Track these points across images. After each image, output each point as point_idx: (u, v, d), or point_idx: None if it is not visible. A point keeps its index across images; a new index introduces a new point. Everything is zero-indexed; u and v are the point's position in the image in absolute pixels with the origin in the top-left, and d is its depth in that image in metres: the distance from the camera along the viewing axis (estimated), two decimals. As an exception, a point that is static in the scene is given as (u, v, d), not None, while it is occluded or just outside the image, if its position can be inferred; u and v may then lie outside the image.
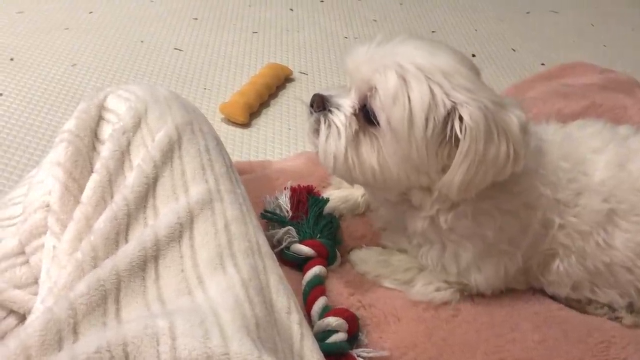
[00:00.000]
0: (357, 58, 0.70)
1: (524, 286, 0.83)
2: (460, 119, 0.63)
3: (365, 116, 0.68)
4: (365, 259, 0.84)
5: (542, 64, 1.58)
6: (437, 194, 0.70)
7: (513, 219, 0.73)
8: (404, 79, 0.64)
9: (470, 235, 0.74)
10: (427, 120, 0.64)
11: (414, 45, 0.67)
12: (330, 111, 0.70)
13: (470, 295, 0.81)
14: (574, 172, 0.75)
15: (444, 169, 0.67)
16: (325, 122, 0.70)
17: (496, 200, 0.71)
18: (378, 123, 0.66)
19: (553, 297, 0.83)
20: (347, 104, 0.69)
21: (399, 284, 0.81)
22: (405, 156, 0.66)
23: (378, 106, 0.65)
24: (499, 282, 0.79)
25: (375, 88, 0.65)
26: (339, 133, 0.68)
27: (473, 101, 0.63)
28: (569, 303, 0.82)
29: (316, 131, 0.71)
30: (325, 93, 0.71)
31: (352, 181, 0.73)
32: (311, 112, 0.72)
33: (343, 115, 0.69)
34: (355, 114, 0.69)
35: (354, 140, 0.68)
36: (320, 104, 0.71)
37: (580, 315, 0.81)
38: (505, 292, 0.82)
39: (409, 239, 0.80)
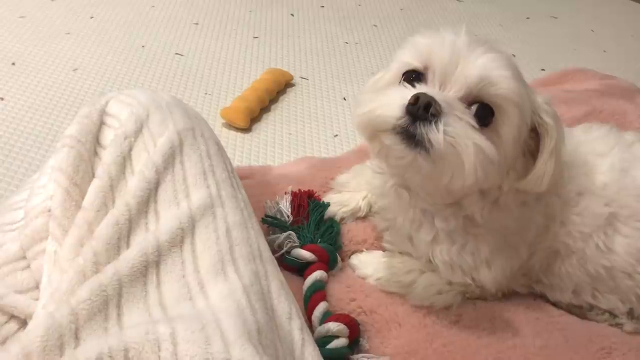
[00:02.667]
0: (458, 52, 0.63)
1: (526, 289, 0.83)
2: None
3: (475, 112, 0.63)
4: (366, 262, 0.84)
5: (542, 70, 1.58)
6: (493, 195, 0.71)
7: (526, 209, 0.74)
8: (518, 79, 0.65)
9: (496, 227, 0.74)
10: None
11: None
12: (446, 114, 0.60)
13: (471, 300, 0.81)
14: (575, 171, 0.76)
15: (509, 170, 0.69)
16: (459, 125, 0.60)
17: (520, 192, 0.72)
18: (487, 121, 0.63)
19: (554, 304, 0.83)
20: (454, 100, 0.62)
21: (401, 287, 0.81)
22: (507, 155, 0.66)
23: (494, 102, 0.63)
24: (505, 279, 0.79)
25: (491, 84, 0.62)
26: (476, 134, 0.61)
27: (544, 103, 0.68)
28: (570, 309, 0.82)
29: (447, 139, 0.60)
30: (429, 93, 0.61)
31: (480, 176, 0.62)
32: (422, 118, 0.60)
33: (465, 113, 0.61)
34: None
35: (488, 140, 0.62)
36: (439, 108, 0.60)
37: (581, 322, 0.81)
38: (507, 298, 0.82)
39: (414, 242, 0.79)
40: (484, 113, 0.63)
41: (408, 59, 0.67)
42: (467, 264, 0.76)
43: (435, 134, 0.59)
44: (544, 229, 0.76)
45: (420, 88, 0.63)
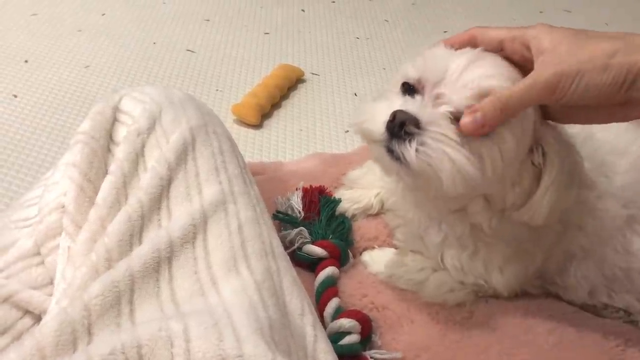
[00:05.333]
0: (447, 64, 0.62)
1: (539, 290, 0.82)
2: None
3: None
4: (378, 259, 0.84)
5: (556, 64, 1.56)
6: (498, 206, 0.69)
7: None
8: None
9: (508, 236, 0.73)
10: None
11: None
12: (425, 129, 0.60)
13: (484, 296, 0.80)
14: (594, 174, 0.74)
15: (513, 183, 0.66)
16: (434, 142, 0.59)
17: None
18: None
19: (568, 303, 0.82)
20: (440, 115, 0.61)
21: (412, 285, 0.80)
22: (501, 168, 0.63)
23: None
24: (518, 283, 0.78)
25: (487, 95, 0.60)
26: (456, 149, 0.60)
27: (552, 137, 0.65)
28: (583, 308, 0.81)
29: (421, 157, 0.60)
30: (408, 109, 0.61)
31: (461, 190, 0.62)
32: (397, 135, 0.60)
33: (447, 129, 0.60)
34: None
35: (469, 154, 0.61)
36: (413, 128, 0.60)
37: (595, 318, 0.80)
38: (520, 295, 0.81)
39: (425, 243, 0.79)
40: None
41: (408, 70, 0.66)
42: (478, 270, 0.76)
43: (408, 152, 0.60)
44: (561, 233, 0.75)
45: (406, 102, 0.63)
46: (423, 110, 0.61)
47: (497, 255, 0.74)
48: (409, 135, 0.60)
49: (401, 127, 0.60)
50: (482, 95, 0.60)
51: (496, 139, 0.61)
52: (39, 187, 0.67)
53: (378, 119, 0.62)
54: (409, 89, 0.66)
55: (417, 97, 0.64)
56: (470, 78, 0.61)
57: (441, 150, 0.59)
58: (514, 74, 0.62)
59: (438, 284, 0.79)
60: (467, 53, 0.63)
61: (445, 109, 0.61)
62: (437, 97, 0.62)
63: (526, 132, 0.64)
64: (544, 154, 0.65)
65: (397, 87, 0.68)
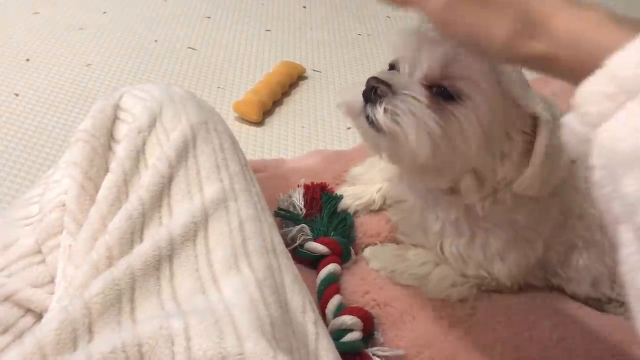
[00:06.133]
0: (418, 39, 0.65)
1: (542, 282, 0.82)
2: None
3: (439, 93, 0.64)
4: (380, 255, 0.84)
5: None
6: (490, 183, 0.69)
7: (541, 204, 0.73)
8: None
9: (503, 221, 0.73)
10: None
11: None
12: (397, 93, 0.63)
13: (487, 292, 0.80)
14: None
15: (502, 157, 0.67)
16: (402, 102, 0.62)
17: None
18: (459, 98, 0.64)
19: (572, 297, 0.82)
20: (412, 82, 0.64)
21: (415, 279, 0.80)
22: (486, 132, 0.64)
23: (463, 80, 0.63)
24: (520, 273, 0.78)
25: (457, 61, 0.63)
26: (422, 109, 0.62)
27: (541, 108, 0.65)
28: (587, 302, 0.81)
29: (390, 118, 0.62)
30: (381, 76, 0.64)
31: (428, 160, 0.64)
32: (371, 99, 0.64)
33: (417, 92, 0.63)
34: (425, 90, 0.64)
35: (436, 115, 0.63)
36: (385, 89, 0.63)
37: (599, 314, 0.80)
38: (523, 290, 0.81)
39: (427, 233, 0.79)
40: (447, 93, 0.64)
41: (391, 55, 0.69)
42: (478, 258, 0.76)
43: (379, 113, 0.62)
44: (562, 223, 0.75)
45: (382, 73, 0.66)
46: (398, 78, 0.65)
47: (494, 241, 0.74)
48: (380, 98, 0.63)
49: (374, 92, 0.63)
50: (447, 62, 0.62)
51: (468, 104, 0.63)
52: (40, 185, 0.67)
53: (357, 90, 0.66)
54: (391, 68, 0.70)
55: (394, 71, 0.68)
56: (438, 49, 0.63)
57: (408, 110, 0.62)
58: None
59: (440, 277, 0.78)
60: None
61: (417, 75, 0.64)
62: (412, 71, 0.65)
63: (506, 100, 0.64)
64: (534, 125, 0.65)
65: None
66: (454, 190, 0.72)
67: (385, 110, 0.62)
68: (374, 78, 0.64)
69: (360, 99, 0.65)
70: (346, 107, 0.68)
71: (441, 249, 0.78)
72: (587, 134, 0.37)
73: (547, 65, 0.44)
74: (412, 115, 0.61)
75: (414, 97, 0.62)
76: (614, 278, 0.77)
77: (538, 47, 0.44)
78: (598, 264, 0.76)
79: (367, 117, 0.64)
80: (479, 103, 0.63)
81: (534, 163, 0.65)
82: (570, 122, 0.39)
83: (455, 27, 0.48)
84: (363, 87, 0.65)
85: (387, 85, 0.63)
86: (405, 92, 0.63)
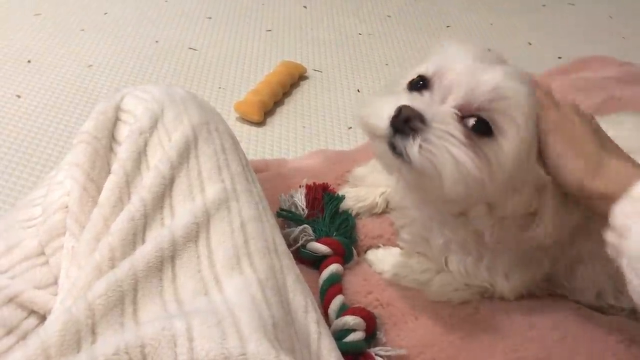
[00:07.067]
0: (460, 63, 0.62)
1: (545, 292, 0.81)
2: None
3: (472, 125, 0.60)
4: (382, 259, 0.84)
5: (559, 58, 1.55)
6: (499, 212, 0.66)
7: None
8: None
9: (511, 243, 0.71)
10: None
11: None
12: (429, 125, 0.58)
13: (489, 297, 0.80)
14: None
15: (514, 191, 0.64)
16: (438, 139, 0.58)
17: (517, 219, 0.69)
18: (492, 133, 0.60)
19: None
20: (446, 112, 0.60)
21: (417, 284, 0.80)
22: (504, 173, 0.61)
23: (503, 116, 0.60)
24: (525, 288, 0.78)
25: (503, 97, 0.60)
26: (459, 148, 0.58)
27: None
28: (589, 307, 0.81)
29: (424, 155, 0.58)
30: (415, 106, 0.59)
31: (462, 196, 0.60)
32: (402, 131, 0.59)
33: (452, 127, 0.59)
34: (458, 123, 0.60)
35: (473, 154, 0.59)
36: (419, 125, 0.58)
37: (599, 314, 0.79)
38: (526, 296, 0.80)
39: (430, 244, 0.78)
40: (483, 127, 0.60)
41: (421, 66, 0.65)
42: (483, 276, 0.75)
43: (412, 148, 0.58)
44: (569, 242, 0.73)
45: (413, 99, 0.62)
46: (429, 107, 0.60)
47: (501, 262, 0.73)
48: (413, 132, 0.58)
49: (406, 123, 0.58)
50: (492, 96, 0.59)
51: (502, 141, 0.60)
52: (43, 186, 0.67)
53: (383, 114, 0.61)
54: (417, 86, 0.65)
55: (425, 94, 0.63)
56: (483, 79, 0.60)
57: (445, 148, 0.58)
58: (526, 77, 0.61)
59: (442, 284, 0.78)
60: (484, 54, 0.62)
61: (451, 103, 0.60)
62: (445, 95, 0.61)
63: (533, 136, 0.62)
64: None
65: (405, 84, 0.67)
66: (462, 213, 0.70)
67: (420, 146, 0.58)
68: (408, 107, 0.59)
69: (387, 124, 0.60)
70: (368, 126, 0.63)
71: (446, 263, 0.76)
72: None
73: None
74: (448, 155, 0.57)
75: (450, 134, 0.58)
76: (620, 288, 0.76)
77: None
78: (603, 275, 0.74)
79: (393, 146, 0.60)
80: (513, 140, 0.60)
81: (540, 219, 0.63)
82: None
83: None
84: (389, 109, 0.60)
85: (421, 118, 0.58)
86: (441, 126, 0.58)
